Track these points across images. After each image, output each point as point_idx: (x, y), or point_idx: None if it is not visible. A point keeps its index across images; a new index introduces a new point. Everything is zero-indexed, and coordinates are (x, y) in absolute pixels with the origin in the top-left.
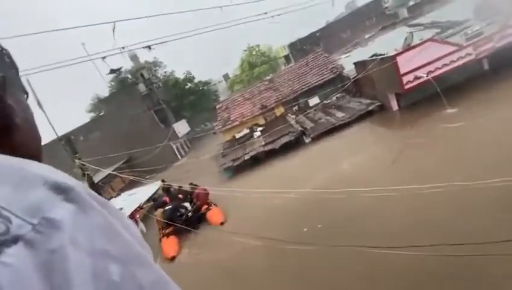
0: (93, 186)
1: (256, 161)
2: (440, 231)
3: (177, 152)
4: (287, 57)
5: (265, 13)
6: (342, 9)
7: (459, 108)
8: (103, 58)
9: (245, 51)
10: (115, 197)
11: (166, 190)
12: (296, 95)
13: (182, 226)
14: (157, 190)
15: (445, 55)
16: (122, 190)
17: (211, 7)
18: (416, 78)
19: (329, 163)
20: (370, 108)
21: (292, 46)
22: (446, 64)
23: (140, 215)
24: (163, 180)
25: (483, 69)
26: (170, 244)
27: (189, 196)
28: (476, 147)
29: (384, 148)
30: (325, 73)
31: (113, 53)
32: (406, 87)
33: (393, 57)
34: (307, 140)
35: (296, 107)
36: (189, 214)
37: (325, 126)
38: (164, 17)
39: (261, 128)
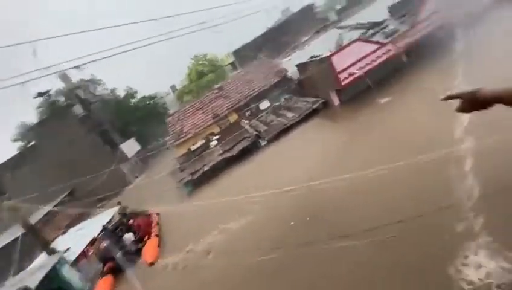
0: (31, 229)
1: (216, 170)
2: (392, 209)
3: (129, 174)
4: (233, 64)
5: (204, 22)
6: (279, 15)
7: (389, 97)
8: (22, 83)
9: (192, 59)
10: (61, 235)
11: (124, 214)
12: (247, 101)
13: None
14: (111, 219)
15: (371, 53)
16: (70, 226)
17: (147, 20)
18: (351, 74)
19: (286, 162)
20: (315, 106)
21: (236, 53)
22: (373, 60)
23: (95, 250)
24: (119, 203)
25: (403, 62)
26: (102, 287)
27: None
28: (407, 129)
29: (332, 141)
30: (271, 77)
31: (33, 77)
32: (343, 83)
33: (329, 58)
34: (263, 143)
35: (249, 112)
36: (131, 248)
37: (277, 128)
38: (97, 32)
39: (216, 137)
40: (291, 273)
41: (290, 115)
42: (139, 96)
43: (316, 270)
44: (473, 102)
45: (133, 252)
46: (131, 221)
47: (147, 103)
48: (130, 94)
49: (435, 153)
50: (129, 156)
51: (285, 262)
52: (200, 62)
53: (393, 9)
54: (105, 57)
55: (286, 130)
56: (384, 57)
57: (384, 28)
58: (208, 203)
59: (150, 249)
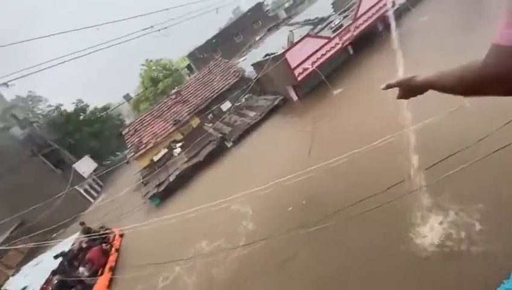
0: None
1: (184, 178)
2: (355, 191)
3: (86, 195)
4: (189, 67)
5: (152, 27)
6: (230, 14)
7: (342, 88)
8: None
9: (143, 66)
10: (13, 275)
11: (87, 231)
12: (208, 103)
13: None
14: (73, 245)
15: (321, 47)
16: (25, 263)
17: (84, 27)
18: (305, 69)
19: (254, 161)
20: (275, 103)
21: (191, 56)
22: (323, 54)
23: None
24: (82, 223)
25: (349, 54)
26: None
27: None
28: (360, 117)
29: (295, 135)
30: (229, 77)
31: None
32: (299, 78)
33: (282, 55)
34: (229, 144)
35: (211, 115)
36: (87, 282)
37: (242, 128)
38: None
39: (180, 144)
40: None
41: (252, 114)
42: (91, 108)
43: (303, 254)
44: (409, 89)
45: (89, 287)
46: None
47: (99, 115)
48: (80, 108)
49: (386, 137)
50: (85, 175)
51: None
52: (153, 68)
53: (336, 5)
54: (37, 71)
55: (250, 129)
56: (332, 51)
57: (330, 23)
58: (175, 216)
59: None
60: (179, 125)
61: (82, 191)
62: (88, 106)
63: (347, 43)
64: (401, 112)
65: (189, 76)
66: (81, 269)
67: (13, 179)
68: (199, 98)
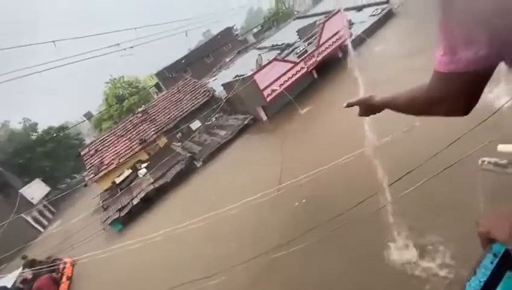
0: None
1: (150, 201)
2: (326, 208)
3: (35, 224)
4: (157, 86)
5: (118, 44)
6: (200, 37)
7: (308, 107)
8: None
9: (107, 83)
10: None
11: (31, 265)
12: (176, 122)
13: None
14: (14, 283)
15: (288, 70)
16: None
17: (40, 42)
18: (273, 91)
19: (225, 180)
20: (246, 122)
21: (160, 74)
22: (290, 77)
23: None
24: (24, 257)
25: (314, 78)
26: None
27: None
28: (327, 133)
29: (266, 153)
30: (199, 97)
31: None
32: (268, 99)
33: (251, 76)
34: (198, 164)
35: (179, 134)
36: None
37: (212, 147)
38: None
39: (145, 165)
40: None
41: (222, 133)
42: (44, 126)
43: (288, 275)
44: (368, 107)
45: None
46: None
47: (54, 135)
48: (30, 126)
49: (352, 152)
50: (34, 201)
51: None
52: (118, 85)
53: (300, 32)
54: None
55: (221, 148)
56: (298, 74)
57: (295, 48)
58: (137, 242)
59: None
60: (145, 144)
61: (30, 219)
62: (37, 124)
63: (311, 67)
64: (363, 130)
65: (157, 95)
66: None
67: None
68: (167, 117)
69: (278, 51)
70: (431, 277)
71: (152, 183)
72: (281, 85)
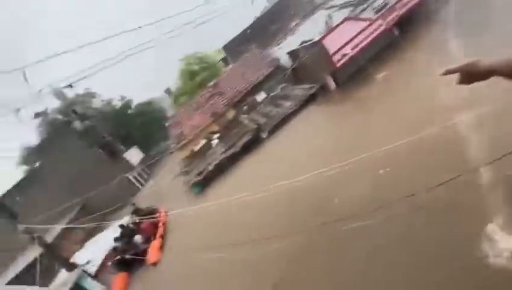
0: (48, 248)
1: (222, 168)
2: (402, 185)
3: (136, 182)
4: (224, 60)
5: (190, 23)
6: (264, 3)
7: (386, 71)
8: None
9: (181, 60)
10: (79, 250)
11: (137, 211)
12: (243, 95)
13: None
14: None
15: (362, 30)
16: (87, 240)
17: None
18: (344, 55)
19: (290, 153)
20: (312, 91)
21: (227, 47)
22: (365, 38)
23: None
24: (133, 204)
25: (395, 36)
26: (118, 285)
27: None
28: (407, 103)
29: (334, 125)
30: (264, 68)
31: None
32: (338, 65)
33: (320, 41)
34: (264, 135)
35: (246, 106)
36: (140, 248)
37: (277, 118)
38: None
39: (217, 136)
40: (314, 256)
41: (287, 104)
42: (135, 103)
43: (335, 253)
44: (472, 74)
45: (141, 253)
46: (140, 224)
47: (143, 110)
48: (126, 103)
49: (438, 126)
50: (134, 164)
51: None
52: (191, 61)
53: None
54: (93, 73)
55: (286, 119)
56: (375, 34)
57: (373, 2)
58: (214, 203)
59: (152, 250)
60: (216, 117)
61: (132, 179)
62: (131, 100)
63: (392, 23)
64: (456, 98)
65: (224, 68)
66: (136, 237)
67: (75, 167)
68: (235, 90)
69: (351, 8)
70: None
71: (223, 152)
72: (354, 48)
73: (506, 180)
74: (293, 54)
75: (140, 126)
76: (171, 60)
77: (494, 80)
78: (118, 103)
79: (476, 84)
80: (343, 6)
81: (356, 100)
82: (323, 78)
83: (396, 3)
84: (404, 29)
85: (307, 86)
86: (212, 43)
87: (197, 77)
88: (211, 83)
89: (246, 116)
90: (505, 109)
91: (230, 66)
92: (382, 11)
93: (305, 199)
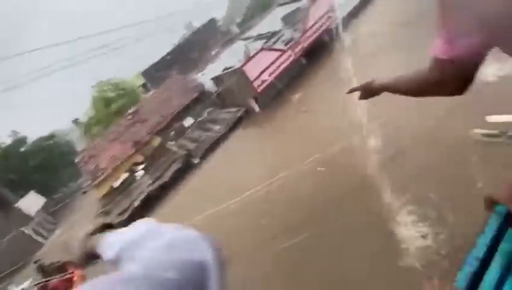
0: None
1: (150, 202)
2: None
3: (35, 236)
4: (144, 86)
5: (105, 46)
6: (183, 30)
7: (300, 93)
8: None
9: (93, 87)
10: None
11: (43, 269)
12: (168, 121)
13: None
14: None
15: (276, 59)
16: None
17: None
18: (263, 81)
19: (224, 175)
20: (238, 115)
21: (146, 73)
22: (279, 66)
23: None
24: (36, 261)
25: (303, 64)
26: None
27: None
28: (321, 119)
29: (261, 145)
30: (189, 93)
31: None
32: (259, 90)
33: (240, 68)
34: (196, 161)
35: (173, 133)
36: None
37: (207, 142)
38: None
39: (142, 167)
40: None
41: (216, 127)
42: (34, 138)
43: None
44: (369, 91)
45: None
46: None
47: (44, 145)
48: (19, 140)
49: (348, 138)
50: (32, 213)
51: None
52: (105, 88)
53: (285, 19)
54: None
55: (216, 142)
56: (287, 62)
57: (282, 36)
58: None
59: None
60: (138, 146)
61: (30, 232)
62: (26, 137)
63: (299, 54)
64: (359, 112)
65: (145, 94)
66: None
67: None
68: (158, 116)
69: (264, 40)
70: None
71: (151, 184)
72: (270, 74)
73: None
74: (217, 80)
75: (39, 165)
76: (79, 87)
77: (385, 94)
78: (6, 140)
79: (373, 99)
80: (257, 38)
81: (278, 120)
82: (247, 102)
83: (300, 37)
84: (311, 58)
85: (233, 109)
86: (128, 69)
87: (113, 105)
88: (131, 110)
89: (173, 142)
90: (396, 116)
91: (152, 92)
92: (290, 44)
93: (240, 221)
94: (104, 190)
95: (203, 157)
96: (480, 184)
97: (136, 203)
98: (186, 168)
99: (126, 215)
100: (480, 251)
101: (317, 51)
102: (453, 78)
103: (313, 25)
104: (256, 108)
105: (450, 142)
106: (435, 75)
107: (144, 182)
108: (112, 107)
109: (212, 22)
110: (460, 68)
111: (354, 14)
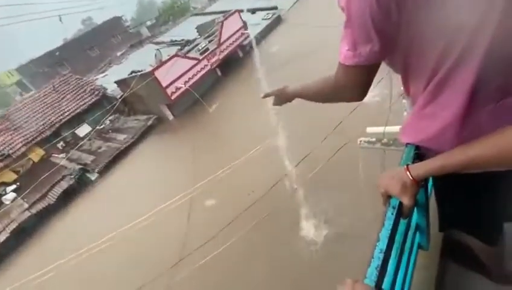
0: None
1: (26, 232)
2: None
3: None
4: (20, 84)
5: None
6: (78, 25)
7: (216, 104)
8: None
9: None
10: None
11: None
12: (55, 129)
13: None
14: None
15: (191, 67)
16: None
17: None
18: (177, 88)
19: (130, 191)
20: (149, 123)
21: (23, 69)
22: (195, 74)
23: None
24: None
25: (218, 75)
26: None
27: None
28: (238, 129)
29: (174, 157)
30: (85, 96)
31: None
32: (173, 97)
33: (152, 73)
34: (93, 177)
35: (62, 143)
36: None
37: (109, 154)
38: None
39: (13, 187)
40: None
41: (122, 137)
42: None
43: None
44: (281, 97)
45: None
46: None
47: None
48: None
49: (265, 143)
50: None
51: None
52: None
53: (200, 29)
54: None
55: (121, 154)
56: (203, 72)
57: (197, 45)
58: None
59: None
60: (8, 161)
61: None
62: None
63: (215, 65)
64: (273, 118)
65: (21, 95)
66: None
67: None
68: (40, 123)
69: (178, 47)
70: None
71: (27, 209)
72: (185, 82)
73: (307, 182)
74: (122, 83)
75: None
76: None
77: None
78: None
79: (285, 105)
80: (171, 44)
81: (193, 129)
82: (159, 109)
83: (215, 49)
84: (226, 71)
85: (142, 117)
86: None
87: None
88: None
89: (62, 155)
90: (298, 127)
91: (32, 92)
92: (206, 54)
93: (151, 239)
94: None
95: (104, 171)
96: (363, 184)
97: (4, 237)
98: (81, 186)
99: None
100: (383, 243)
101: (232, 64)
102: (356, 84)
103: (227, 38)
104: (170, 116)
105: (342, 151)
106: (340, 81)
107: (17, 206)
108: None
109: (117, 19)
110: (362, 75)
111: (264, 35)
